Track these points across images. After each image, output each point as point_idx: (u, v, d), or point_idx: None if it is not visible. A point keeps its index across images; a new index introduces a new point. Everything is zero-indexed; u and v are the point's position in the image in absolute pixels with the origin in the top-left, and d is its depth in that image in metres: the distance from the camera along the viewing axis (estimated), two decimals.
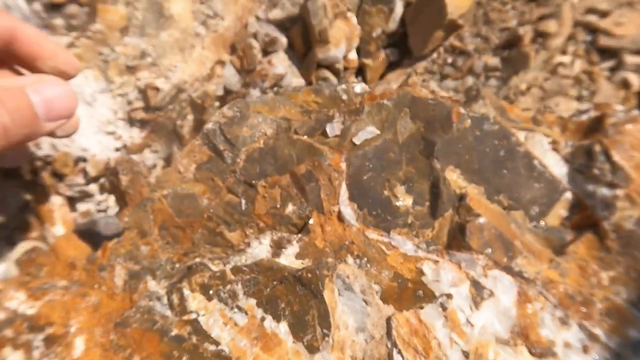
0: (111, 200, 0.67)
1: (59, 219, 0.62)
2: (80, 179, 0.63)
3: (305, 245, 0.42)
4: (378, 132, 0.43)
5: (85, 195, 0.65)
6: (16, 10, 0.56)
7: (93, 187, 0.64)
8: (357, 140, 0.43)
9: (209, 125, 0.46)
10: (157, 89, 0.62)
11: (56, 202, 0.62)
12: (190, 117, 0.63)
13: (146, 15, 0.61)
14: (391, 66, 0.75)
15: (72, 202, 0.65)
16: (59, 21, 0.56)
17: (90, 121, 0.62)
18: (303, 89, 0.49)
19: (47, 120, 0.32)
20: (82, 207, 0.65)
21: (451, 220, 0.41)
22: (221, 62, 0.64)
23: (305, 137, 0.45)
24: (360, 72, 0.73)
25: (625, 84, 0.61)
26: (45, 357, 0.36)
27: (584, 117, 0.44)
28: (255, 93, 0.65)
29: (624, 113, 0.42)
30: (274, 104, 0.47)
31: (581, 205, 0.42)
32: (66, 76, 0.37)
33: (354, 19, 0.69)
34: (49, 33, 0.56)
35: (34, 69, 0.36)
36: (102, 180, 0.66)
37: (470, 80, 0.67)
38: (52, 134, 0.36)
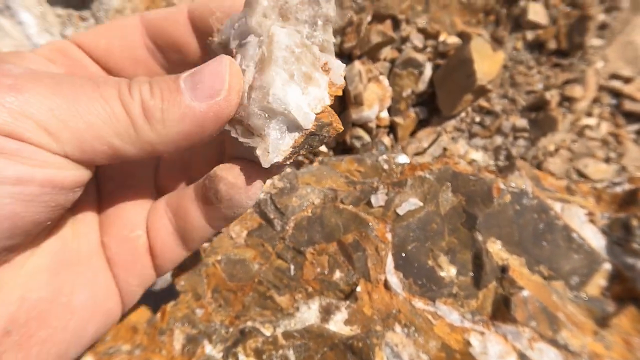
0: None
1: None
2: None
3: (353, 312, 0.44)
4: (421, 204, 0.46)
5: None
6: None
7: None
8: (400, 211, 0.46)
9: (260, 195, 0.49)
10: None
11: None
12: None
13: None
14: (421, 123, 0.78)
15: None
16: None
17: None
18: (346, 159, 0.52)
19: (194, 99, 0.26)
20: None
21: (495, 291, 0.42)
22: None
23: (351, 206, 0.47)
24: (392, 129, 0.77)
25: None
26: None
27: (618, 189, 0.47)
28: None
29: None
30: (320, 174, 0.50)
31: (621, 276, 0.43)
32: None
33: (386, 82, 0.73)
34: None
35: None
36: None
37: (498, 140, 0.70)
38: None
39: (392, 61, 0.76)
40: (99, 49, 0.33)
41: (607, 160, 0.64)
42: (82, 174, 0.26)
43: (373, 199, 0.47)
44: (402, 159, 0.50)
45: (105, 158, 0.26)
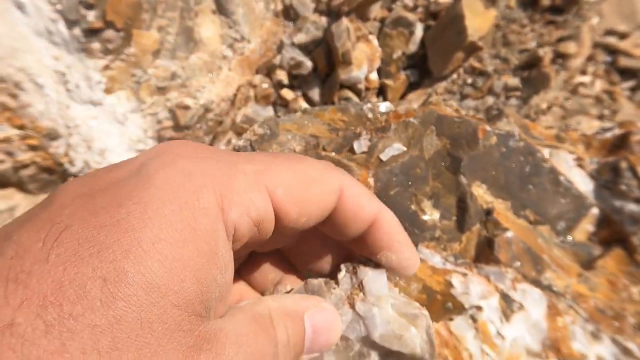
0: None
1: None
2: None
3: None
4: (404, 148, 0.44)
5: None
6: (57, 35, 0.59)
7: None
8: (384, 157, 0.45)
9: (240, 142, 0.47)
10: (186, 108, 0.65)
11: None
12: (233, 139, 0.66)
13: (177, 40, 0.64)
14: (411, 86, 0.77)
15: None
16: (96, 45, 0.59)
17: (121, 139, 0.65)
18: (329, 108, 0.51)
19: (307, 352, 0.27)
20: None
21: (479, 234, 0.41)
22: (250, 84, 0.67)
23: (333, 153, 0.46)
24: (382, 92, 0.75)
25: None
26: None
27: (608, 135, 0.45)
28: None
29: None
30: (302, 122, 0.49)
31: (608, 220, 0.42)
32: (400, 274, 0.33)
33: (376, 42, 0.71)
34: (86, 56, 0.59)
35: (373, 253, 0.31)
36: None
37: (490, 100, 0.69)
38: None
39: (382, 20, 0.75)
40: (297, 218, 0.28)
41: (601, 117, 0.62)
42: None
43: (356, 145, 0.45)
44: (385, 106, 0.48)
45: None
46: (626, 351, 0.37)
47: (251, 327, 0.24)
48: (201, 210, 0.23)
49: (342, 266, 0.32)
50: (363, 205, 0.29)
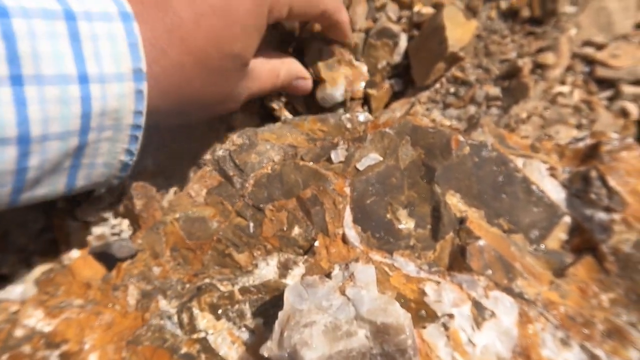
0: (124, 224, 0.69)
1: (75, 242, 0.64)
2: (97, 204, 0.65)
3: (311, 266, 0.44)
4: (380, 158, 0.45)
5: (100, 220, 0.67)
6: None
7: (108, 212, 0.67)
8: (360, 166, 0.45)
9: (219, 152, 0.48)
10: None
11: (73, 226, 0.64)
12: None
13: None
14: (395, 95, 0.78)
15: (87, 225, 0.67)
16: None
17: None
18: (309, 118, 0.52)
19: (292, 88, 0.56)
20: (96, 230, 0.68)
21: (452, 242, 0.42)
22: None
23: (311, 163, 0.47)
24: (366, 101, 0.76)
25: (623, 113, 0.63)
26: None
27: (581, 145, 0.46)
28: None
29: (618, 141, 0.44)
30: (281, 132, 0.49)
31: (580, 229, 0.43)
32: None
33: (364, 68, 0.73)
34: None
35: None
36: (116, 206, 0.68)
37: (472, 109, 0.70)
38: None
39: (367, 31, 0.76)
40: None
41: (579, 126, 0.63)
42: None
43: (333, 155, 0.46)
44: (364, 117, 0.49)
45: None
46: (594, 358, 0.37)
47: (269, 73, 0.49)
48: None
49: (336, 265, 0.35)
50: None
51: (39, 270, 0.61)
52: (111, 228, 0.70)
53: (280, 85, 0.52)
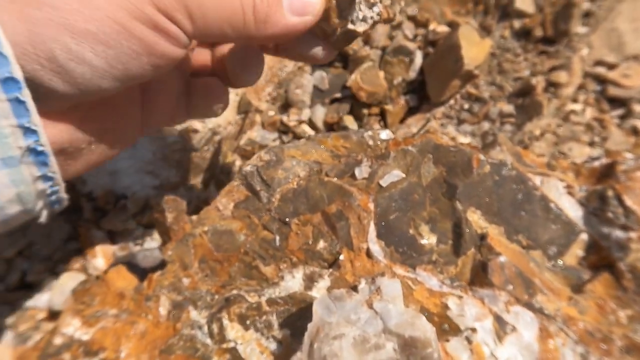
0: (147, 234, 0.71)
1: (99, 252, 0.66)
2: (121, 215, 0.67)
3: (336, 279, 0.45)
4: (403, 175, 0.47)
5: (125, 230, 0.69)
6: None
7: (132, 223, 0.69)
8: (383, 183, 0.47)
9: (247, 168, 0.50)
10: (195, 132, 0.67)
11: (98, 236, 0.66)
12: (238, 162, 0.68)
13: None
14: (411, 111, 0.80)
15: (111, 236, 0.69)
16: None
17: (131, 162, 0.68)
18: (332, 135, 0.54)
19: (290, 13, 0.34)
20: (121, 241, 0.70)
21: (473, 258, 0.43)
22: (257, 110, 0.69)
23: (336, 179, 0.49)
24: (382, 116, 0.78)
25: (635, 131, 0.64)
26: None
27: (596, 164, 0.48)
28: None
29: (633, 161, 0.46)
30: (306, 148, 0.51)
31: (597, 246, 0.44)
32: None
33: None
34: None
35: None
36: (139, 217, 0.70)
37: (486, 126, 0.71)
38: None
39: (384, 49, 0.78)
40: None
41: (592, 144, 0.65)
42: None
43: (357, 172, 0.48)
44: (386, 134, 0.51)
45: (209, 40, 0.38)
46: None
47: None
48: None
49: (362, 279, 0.37)
50: None
51: (65, 278, 0.63)
52: (135, 239, 0.72)
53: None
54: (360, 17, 0.37)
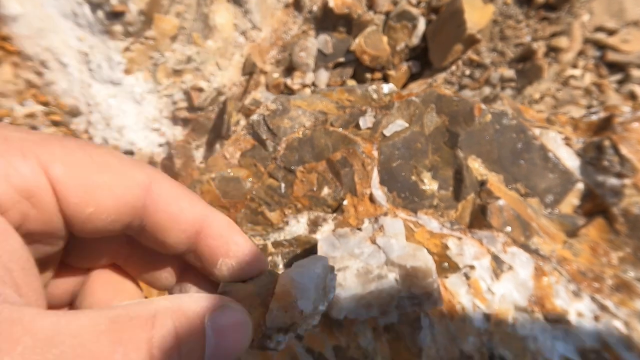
0: None
1: None
2: None
3: (339, 223, 0.47)
4: (407, 125, 0.48)
5: None
6: (82, 17, 0.63)
7: None
8: (387, 132, 0.48)
9: (254, 117, 0.51)
10: (200, 90, 0.68)
11: None
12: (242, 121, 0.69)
13: (194, 25, 0.67)
14: (413, 77, 0.81)
15: None
16: (118, 27, 0.63)
17: (138, 118, 0.69)
18: (337, 89, 0.55)
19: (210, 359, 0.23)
20: None
21: (473, 203, 0.45)
22: (261, 71, 0.70)
23: (340, 129, 0.50)
24: (385, 81, 0.79)
25: (632, 95, 0.66)
26: None
27: (594, 117, 0.49)
28: None
29: (630, 113, 0.47)
30: (312, 100, 0.52)
31: (592, 194, 0.46)
32: (246, 274, 0.28)
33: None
34: (108, 38, 0.63)
35: (211, 264, 0.27)
36: None
37: (487, 90, 0.73)
38: None
39: (387, 14, 0.78)
40: (81, 205, 0.22)
41: (589, 107, 0.66)
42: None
43: (361, 122, 0.49)
44: (388, 88, 0.52)
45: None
46: (603, 307, 0.40)
47: (100, 328, 0.18)
48: None
49: (365, 219, 0.38)
50: (182, 207, 0.24)
51: None
52: None
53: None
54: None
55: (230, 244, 0.27)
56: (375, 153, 0.47)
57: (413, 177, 0.47)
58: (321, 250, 0.41)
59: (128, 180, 0.23)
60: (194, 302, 0.22)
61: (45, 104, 0.62)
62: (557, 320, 0.39)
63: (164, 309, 0.21)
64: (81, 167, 0.21)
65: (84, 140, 0.24)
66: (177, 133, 0.70)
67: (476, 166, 0.47)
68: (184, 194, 0.25)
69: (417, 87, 0.73)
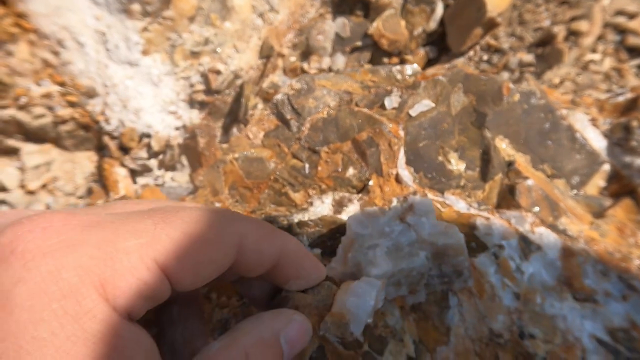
0: (167, 176, 0.72)
1: (122, 189, 0.67)
2: (143, 153, 0.68)
3: (365, 203, 0.47)
4: (433, 105, 0.48)
5: (146, 170, 0.70)
6: None
7: (153, 162, 0.70)
8: (413, 112, 0.48)
9: (278, 96, 0.51)
10: (218, 73, 0.68)
11: (121, 173, 0.67)
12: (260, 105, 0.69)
13: (212, 6, 0.67)
14: (430, 62, 0.80)
15: (133, 175, 0.70)
16: (136, 7, 0.62)
17: (155, 100, 0.68)
18: (360, 70, 0.54)
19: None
20: (141, 180, 0.71)
21: (501, 183, 0.45)
22: (279, 55, 0.70)
23: (365, 109, 0.50)
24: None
25: None
26: None
27: (620, 99, 0.49)
28: None
29: None
30: (336, 80, 0.52)
31: (618, 175, 0.46)
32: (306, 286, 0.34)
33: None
34: (126, 17, 0.62)
35: (282, 283, 0.33)
36: (161, 156, 0.71)
37: (505, 75, 0.72)
38: None
39: None
40: (192, 283, 0.26)
41: (609, 91, 0.66)
42: None
43: (387, 102, 0.49)
44: (412, 69, 0.52)
45: None
46: (631, 287, 0.40)
47: None
48: (86, 315, 0.20)
49: (394, 199, 0.38)
50: (262, 251, 0.29)
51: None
52: (155, 179, 0.73)
53: None
54: None
55: (299, 269, 0.32)
56: (401, 133, 0.47)
57: (440, 158, 0.46)
58: (350, 228, 0.40)
59: (223, 249, 0.27)
60: (269, 326, 0.28)
61: (61, 84, 0.62)
62: (586, 300, 0.40)
63: (251, 347, 0.26)
64: (185, 253, 0.25)
65: (174, 210, 0.27)
66: (194, 116, 0.70)
67: (504, 147, 0.46)
68: (263, 235, 0.30)
69: (434, 71, 0.73)
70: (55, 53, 0.61)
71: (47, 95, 0.60)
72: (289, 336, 0.29)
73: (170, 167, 0.73)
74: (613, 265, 0.42)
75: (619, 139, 0.46)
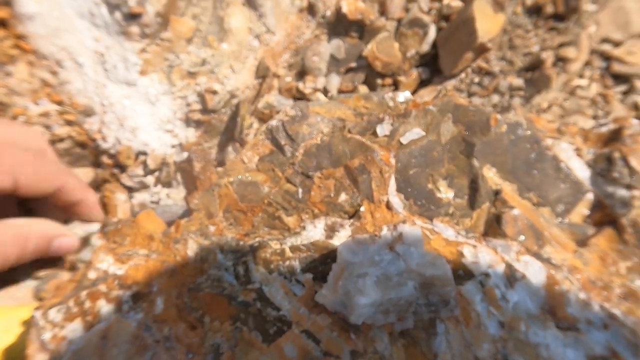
0: (163, 192, 0.73)
1: (120, 213, 0.67)
2: (140, 171, 0.69)
3: (356, 229, 0.48)
4: (423, 133, 0.49)
5: (142, 187, 0.71)
6: (99, 18, 0.63)
7: (150, 179, 0.71)
8: (404, 140, 0.49)
9: (273, 122, 0.52)
10: (214, 93, 0.69)
11: (121, 199, 0.68)
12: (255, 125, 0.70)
13: (209, 28, 0.68)
14: (422, 83, 0.82)
15: (129, 192, 0.71)
16: (135, 29, 0.63)
17: (152, 119, 0.69)
18: (354, 96, 0.56)
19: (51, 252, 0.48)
20: (138, 197, 0.71)
21: (488, 211, 0.46)
22: (275, 75, 0.71)
23: (358, 136, 0.51)
24: (395, 87, 0.80)
25: (636, 106, 0.68)
26: (133, 310, 0.41)
27: (604, 129, 0.51)
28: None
29: (639, 125, 0.49)
30: (330, 107, 0.53)
31: (601, 204, 0.48)
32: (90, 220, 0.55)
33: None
34: (125, 39, 0.63)
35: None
36: (157, 173, 0.72)
37: (495, 98, 0.74)
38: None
39: (399, 20, 0.80)
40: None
41: (595, 117, 0.68)
42: None
43: (379, 129, 0.50)
44: (404, 96, 0.53)
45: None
46: (612, 316, 0.42)
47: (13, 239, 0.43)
48: None
49: (384, 226, 0.39)
50: (39, 181, 0.46)
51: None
52: (151, 196, 0.73)
53: (33, 252, 0.45)
54: None
55: (80, 203, 0.53)
56: (392, 160, 0.49)
57: (429, 185, 0.48)
58: (341, 256, 0.42)
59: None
60: (50, 227, 0.48)
61: (59, 103, 0.63)
62: (568, 328, 0.41)
63: (34, 232, 0.46)
64: None
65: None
66: (190, 135, 0.71)
67: (491, 175, 0.48)
68: (41, 167, 0.48)
69: (427, 93, 0.75)
70: (54, 73, 0.62)
71: (45, 114, 0.61)
72: (60, 242, 0.49)
73: (167, 184, 0.74)
74: (595, 294, 0.43)
75: (601, 169, 0.47)
